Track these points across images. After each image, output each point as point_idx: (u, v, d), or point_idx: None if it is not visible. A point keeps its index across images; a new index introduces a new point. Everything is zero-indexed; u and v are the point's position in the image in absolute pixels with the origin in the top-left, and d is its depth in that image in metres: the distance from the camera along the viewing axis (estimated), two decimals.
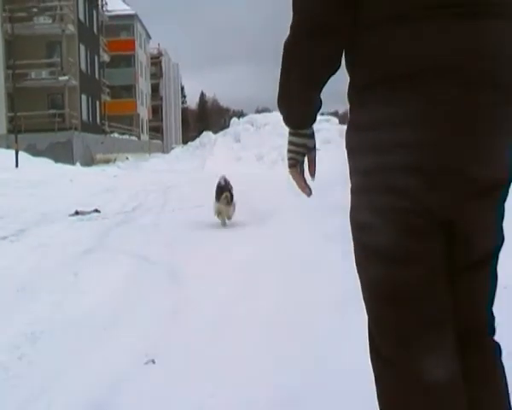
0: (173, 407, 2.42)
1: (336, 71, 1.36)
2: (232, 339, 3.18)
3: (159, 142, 62.36)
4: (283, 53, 1.36)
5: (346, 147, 1.40)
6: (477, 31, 1.19)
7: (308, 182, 1.54)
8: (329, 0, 1.23)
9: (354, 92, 1.37)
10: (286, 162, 1.55)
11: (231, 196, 7.24)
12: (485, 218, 1.32)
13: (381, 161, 1.26)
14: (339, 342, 3.00)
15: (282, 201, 8.91)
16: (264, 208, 8.22)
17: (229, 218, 7.33)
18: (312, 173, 1.54)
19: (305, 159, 1.51)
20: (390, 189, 1.25)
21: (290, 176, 1.52)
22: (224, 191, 7.21)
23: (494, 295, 1.43)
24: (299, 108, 1.43)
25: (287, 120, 1.46)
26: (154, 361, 2.89)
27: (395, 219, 1.26)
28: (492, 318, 1.45)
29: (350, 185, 1.40)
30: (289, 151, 1.49)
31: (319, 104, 1.44)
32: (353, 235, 1.39)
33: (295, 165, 1.50)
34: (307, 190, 1.52)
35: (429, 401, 1.28)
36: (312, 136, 1.49)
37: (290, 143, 1.48)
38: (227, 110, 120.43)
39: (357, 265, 1.40)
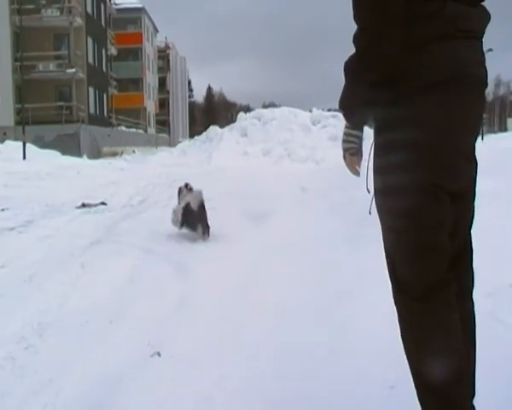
0: (180, 399, 2.43)
1: (392, 70, 1.63)
2: (238, 331, 3.19)
3: (165, 135, 62.42)
4: (352, 58, 1.66)
5: (381, 143, 1.73)
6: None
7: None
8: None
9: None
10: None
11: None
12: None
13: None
14: (348, 331, 3.01)
15: (288, 195, 8.93)
16: (270, 202, 8.22)
17: None
18: (361, 160, 1.87)
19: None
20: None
21: (347, 160, 1.86)
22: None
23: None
24: (358, 109, 1.74)
25: (348, 119, 1.81)
26: (159, 354, 2.90)
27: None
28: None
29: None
30: (347, 142, 1.84)
31: (375, 106, 1.72)
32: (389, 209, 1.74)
33: (356, 153, 1.84)
34: (357, 173, 1.86)
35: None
36: (363, 128, 1.83)
37: (349, 134, 1.83)
38: (234, 104, 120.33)
39: (389, 231, 1.76)
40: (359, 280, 3.97)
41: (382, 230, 1.80)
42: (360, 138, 1.82)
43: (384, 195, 1.74)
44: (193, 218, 5.93)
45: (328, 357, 2.79)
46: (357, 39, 1.64)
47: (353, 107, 1.74)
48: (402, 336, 1.77)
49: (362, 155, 1.86)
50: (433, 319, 1.69)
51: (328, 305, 3.57)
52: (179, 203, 6.27)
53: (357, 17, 1.62)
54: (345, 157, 1.86)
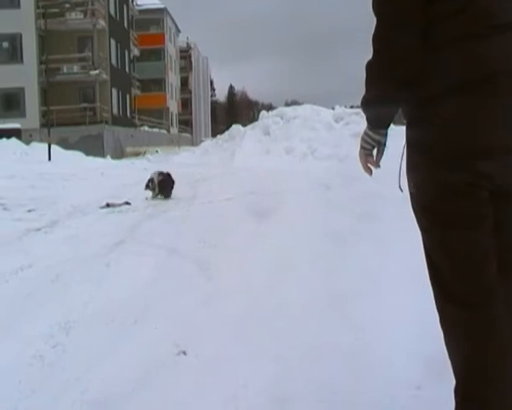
0: (205, 398, 2.44)
1: (414, 71, 1.64)
2: (263, 330, 3.20)
3: (188, 135, 62.69)
4: (371, 63, 1.69)
5: (414, 141, 1.73)
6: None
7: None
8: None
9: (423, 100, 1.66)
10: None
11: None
12: None
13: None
14: (372, 332, 2.99)
15: (312, 193, 8.90)
16: (293, 200, 8.20)
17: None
18: (378, 162, 1.87)
19: (375, 150, 1.86)
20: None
21: (361, 157, 1.87)
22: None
23: None
24: (380, 110, 1.76)
25: (369, 121, 1.81)
26: (185, 352, 2.91)
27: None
28: None
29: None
30: (364, 141, 1.85)
31: (396, 109, 1.76)
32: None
33: (369, 155, 1.85)
34: (368, 172, 1.88)
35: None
36: (386, 135, 1.84)
37: (367, 135, 1.84)
38: (256, 103, 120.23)
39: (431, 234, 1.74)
40: (379, 279, 3.95)
41: (420, 231, 1.79)
42: (378, 142, 1.83)
43: (415, 195, 1.75)
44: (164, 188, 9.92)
45: (351, 358, 2.78)
46: (374, 41, 1.67)
47: (373, 109, 1.77)
48: (445, 341, 1.75)
49: (379, 158, 1.87)
50: (478, 327, 1.65)
51: (348, 303, 3.55)
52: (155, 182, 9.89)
53: (375, 14, 1.66)
54: (360, 154, 1.88)
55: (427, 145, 1.67)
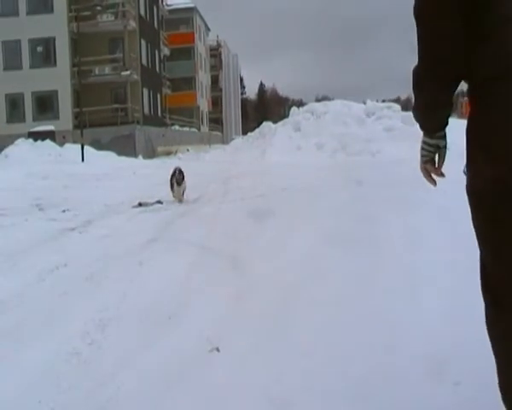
0: (239, 394, 2.45)
1: (460, 69, 1.60)
2: (296, 326, 3.19)
3: (219, 133, 62.90)
4: (416, 68, 1.66)
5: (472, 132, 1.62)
6: None
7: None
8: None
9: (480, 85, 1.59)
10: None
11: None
12: None
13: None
14: (406, 329, 2.96)
15: (344, 189, 8.83)
16: (325, 197, 8.15)
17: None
18: (440, 167, 1.80)
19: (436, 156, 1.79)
20: None
21: (421, 170, 1.82)
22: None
23: None
24: (430, 116, 1.73)
25: (422, 127, 1.77)
26: (218, 349, 2.92)
27: None
28: None
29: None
30: (423, 149, 1.79)
31: (449, 111, 1.70)
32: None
33: (429, 161, 1.79)
34: (433, 183, 1.84)
35: None
36: (444, 137, 1.77)
37: (424, 142, 1.79)
38: (286, 100, 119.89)
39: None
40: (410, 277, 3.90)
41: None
42: (436, 146, 1.77)
43: (467, 190, 1.68)
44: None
45: (384, 354, 2.75)
46: (418, 43, 1.63)
47: (424, 114, 1.75)
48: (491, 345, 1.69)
49: (441, 163, 1.80)
50: None
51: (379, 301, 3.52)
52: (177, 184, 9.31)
53: (415, 16, 1.62)
54: (420, 165, 1.83)
55: (479, 137, 1.60)
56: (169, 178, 9.56)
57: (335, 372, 2.57)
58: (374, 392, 2.38)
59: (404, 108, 25.22)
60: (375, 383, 2.45)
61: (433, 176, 1.83)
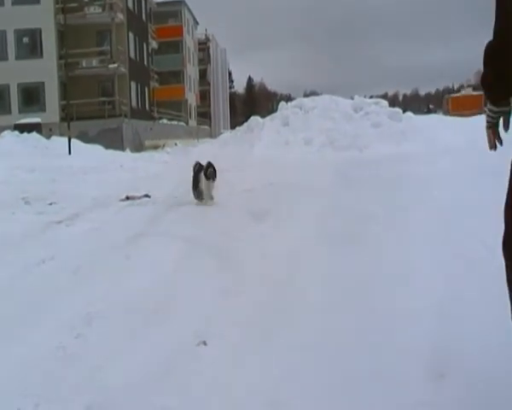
0: (226, 388, 2.45)
1: None
2: (284, 322, 3.19)
3: (207, 127, 62.73)
4: (490, 45, 1.96)
5: None
6: None
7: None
8: None
9: None
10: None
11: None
12: None
13: None
14: (390, 329, 2.98)
15: (331, 184, 8.86)
16: (313, 192, 8.17)
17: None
18: (506, 127, 2.06)
19: (501, 120, 2.07)
20: None
21: (485, 133, 2.09)
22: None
23: None
24: (498, 86, 1.98)
25: (488, 96, 2.04)
26: (205, 343, 2.93)
27: None
28: None
29: None
30: (488, 116, 2.07)
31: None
32: None
33: (491, 127, 2.07)
34: (493, 147, 2.10)
35: None
36: (509, 104, 2.03)
37: (488, 110, 2.06)
38: (275, 94, 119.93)
39: None
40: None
41: None
42: (499, 113, 2.04)
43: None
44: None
45: (374, 348, 2.77)
46: (495, 25, 1.91)
47: (489, 86, 2.02)
48: None
49: (507, 127, 2.06)
50: None
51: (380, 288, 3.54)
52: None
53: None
54: (486, 130, 2.10)
55: None
56: (191, 174, 8.12)
57: (324, 369, 2.58)
58: (364, 389, 2.40)
59: (392, 104, 25.31)
60: (365, 379, 2.47)
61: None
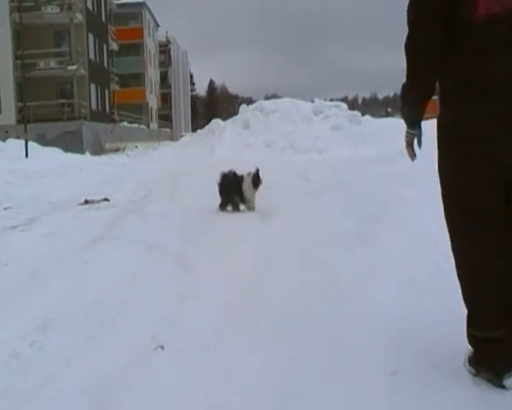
0: (184, 392, 2.44)
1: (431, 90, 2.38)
2: (241, 325, 3.20)
3: (168, 130, 62.30)
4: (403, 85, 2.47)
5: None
6: None
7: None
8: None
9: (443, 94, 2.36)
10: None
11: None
12: None
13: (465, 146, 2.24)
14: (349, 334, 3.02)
15: (293, 185, 8.91)
16: (272, 194, 8.21)
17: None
18: (419, 145, 2.53)
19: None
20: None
21: (406, 148, 2.55)
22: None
23: None
24: (411, 114, 2.49)
25: (406, 123, 2.52)
26: (162, 347, 2.91)
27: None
28: None
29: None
30: (406, 136, 2.54)
31: (423, 110, 2.45)
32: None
33: (409, 145, 2.53)
34: (413, 157, 2.57)
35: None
36: (420, 128, 2.50)
37: (407, 132, 2.53)
38: (236, 97, 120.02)
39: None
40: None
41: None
42: (413, 134, 2.52)
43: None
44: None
45: (331, 348, 2.80)
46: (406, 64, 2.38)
47: (405, 116, 2.51)
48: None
49: (419, 145, 2.52)
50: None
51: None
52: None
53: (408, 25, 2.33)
54: (405, 146, 2.56)
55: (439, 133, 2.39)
56: (219, 182, 7.60)
57: (285, 373, 2.59)
58: (321, 392, 2.43)
59: (351, 107, 25.62)
60: (321, 381, 2.49)
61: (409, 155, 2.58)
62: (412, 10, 2.29)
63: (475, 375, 2.36)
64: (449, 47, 2.23)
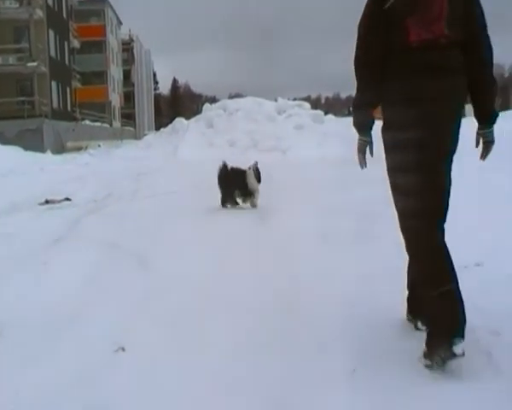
0: (145, 393, 2.42)
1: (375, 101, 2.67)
2: (200, 326, 3.19)
3: (131, 129, 61.70)
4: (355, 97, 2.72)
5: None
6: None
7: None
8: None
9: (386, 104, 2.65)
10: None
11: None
12: None
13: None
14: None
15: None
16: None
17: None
18: (371, 152, 2.68)
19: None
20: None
21: (357, 156, 2.70)
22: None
23: None
24: (363, 118, 2.68)
25: (358, 131, 2.69)
26: (123, 349, 2.88)
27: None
28: None
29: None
30: (358, 144, 2.69)
31: (373, 120, 2.66)
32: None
33: (361, 152, 2.70)
34: (363, 165, 2.72)
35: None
36: (371, 136, 2.68)
37: (359, 139, 2.69)
38: (199, 96, 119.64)
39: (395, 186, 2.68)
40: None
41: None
42: (366, 141, 2.68)
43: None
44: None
45: (296, 344, 2.82)
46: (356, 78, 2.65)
47: (357, 126, 2.69)
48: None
49: (371, 151, 2.68)
50: None
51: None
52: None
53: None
54: (357, 153, 2.70)
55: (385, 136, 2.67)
56: (218, 176, 7.61)
57: (251, 367, 2.60)
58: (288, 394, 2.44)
59: (314, 106, 25.81)
60: (290, 385, 2.51)
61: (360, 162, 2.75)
62: (362, 27, 2.58)
63: (430, 367, 2.43)
64: (393, 66, 2.54)
